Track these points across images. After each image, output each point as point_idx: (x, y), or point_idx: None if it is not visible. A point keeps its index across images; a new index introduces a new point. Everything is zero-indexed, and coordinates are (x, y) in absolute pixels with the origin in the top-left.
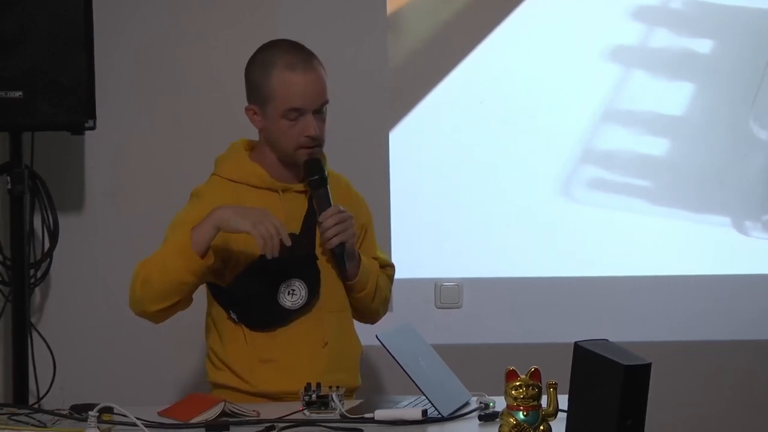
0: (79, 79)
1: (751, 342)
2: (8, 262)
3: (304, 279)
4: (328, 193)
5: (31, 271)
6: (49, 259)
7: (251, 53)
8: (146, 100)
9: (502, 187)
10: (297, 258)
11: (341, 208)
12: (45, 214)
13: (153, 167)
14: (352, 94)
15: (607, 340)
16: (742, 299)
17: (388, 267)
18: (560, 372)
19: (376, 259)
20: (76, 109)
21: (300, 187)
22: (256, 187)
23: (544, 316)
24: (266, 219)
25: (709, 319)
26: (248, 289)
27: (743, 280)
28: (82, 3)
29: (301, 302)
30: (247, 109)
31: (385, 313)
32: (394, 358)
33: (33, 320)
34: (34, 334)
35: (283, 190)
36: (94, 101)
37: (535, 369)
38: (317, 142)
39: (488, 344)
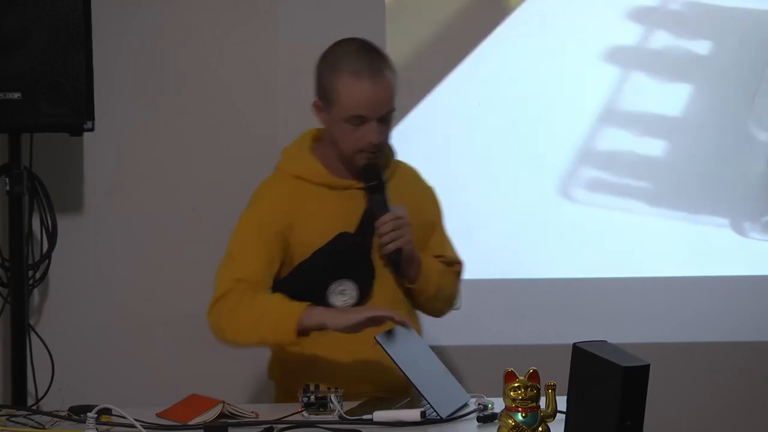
0: (78, 80)
1: (749, 343)
2: (7, 264)
3: (355, 279)
4: (385, 199)
5: (30, 273)
6: (47, 261)
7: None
8: (145, 101)
9: (501, 188)
10: (351, 257)
11: (399, 213)
12: (44, 216)
13: (152, 168)
14: None
15: (606, 341)
16: (740, 300)
17: (455, 264)
18: (559, 373)
19: (442, 256)
20: (75, 111)
21: (360, 184)
22: (316, 183)
23: (543, 317)
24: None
25: (708, 321)
26: (299, 287)
27: (742, 281)
28: (81, 4)
29: (351, 303)
30: (314, 103)
31: (450, 309)
32: (392, 359)
33: (31, 322)
34: (33, 336)
35: (343, 188)
36: (93, 102)
37: (534, 370)
38: (378, 148)
39: (487, 345)
